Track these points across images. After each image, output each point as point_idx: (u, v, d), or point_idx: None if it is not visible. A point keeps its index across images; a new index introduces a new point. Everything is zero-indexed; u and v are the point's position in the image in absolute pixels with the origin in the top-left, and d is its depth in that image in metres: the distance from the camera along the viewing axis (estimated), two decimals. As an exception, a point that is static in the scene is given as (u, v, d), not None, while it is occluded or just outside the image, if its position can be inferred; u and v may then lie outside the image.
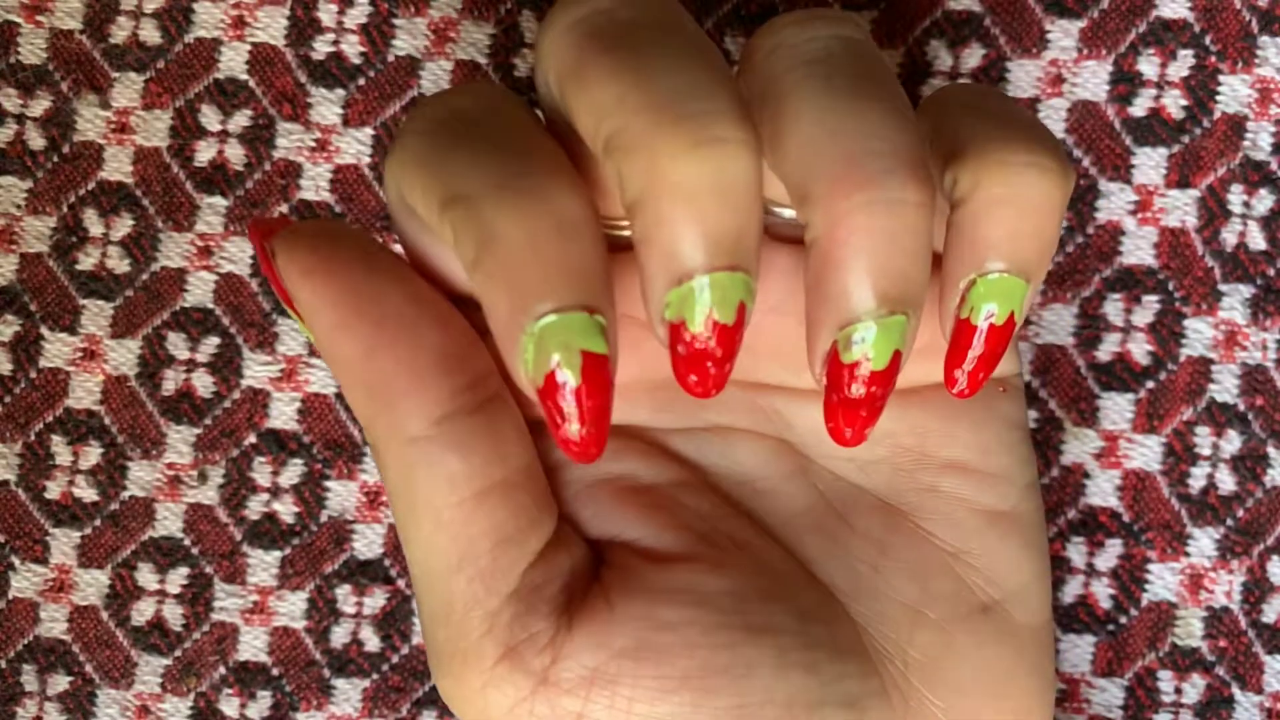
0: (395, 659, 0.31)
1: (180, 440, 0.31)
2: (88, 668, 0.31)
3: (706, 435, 0.26)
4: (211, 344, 0.31)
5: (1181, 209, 0.31)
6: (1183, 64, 0.31)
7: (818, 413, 0.26)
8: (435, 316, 0.23)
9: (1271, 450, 0.30)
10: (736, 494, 0.26)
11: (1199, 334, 0.30)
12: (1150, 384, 0.31)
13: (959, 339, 0.23)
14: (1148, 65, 0.31)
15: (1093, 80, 0.31)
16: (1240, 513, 0.30)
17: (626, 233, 0.25)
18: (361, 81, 0.31)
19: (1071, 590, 0.31)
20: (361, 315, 0.23)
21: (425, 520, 0.23)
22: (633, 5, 0.22)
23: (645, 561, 0.25)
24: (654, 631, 0.24)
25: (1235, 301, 0.30)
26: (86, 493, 0.31)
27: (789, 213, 0.24)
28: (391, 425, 0.23)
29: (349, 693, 0.31)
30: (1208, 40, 0.31)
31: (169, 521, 0.31)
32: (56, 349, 0.31)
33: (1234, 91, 0.31)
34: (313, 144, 0.31)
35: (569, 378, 0.21)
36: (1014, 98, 0.29)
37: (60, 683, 0.31)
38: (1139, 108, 0.31)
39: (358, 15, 0.31)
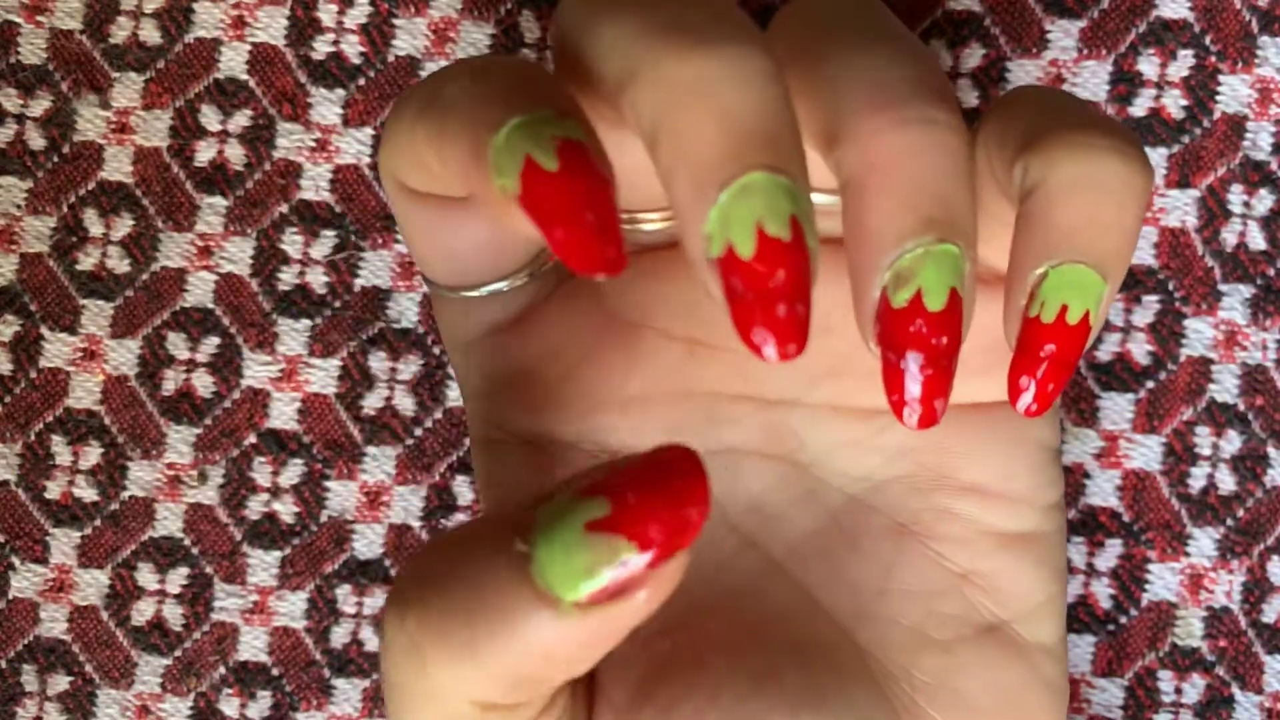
0: (395, 659, 0.31)
1: (180, 440, 0.31)
2: (88, 668, 0.31)
3: (715, 458, 0.25)
4: (211, 344, 0.31)
5: (1181, 209, 0.31)
6: (1183, 64, 0.31)
7: (832, 429, 0.25)
8: None
9: (1271, 450, 0.30)
10: (743, 522, 0.25)
11: (1199, 334, 0.30)
12: (1150, 384, 0.31)
13: (1028, 340, 0.20)
14: (1148, 65, 0.31)
15: (1093, 80, 0.31)
16: (1240, 513, 0.30)
17: (648, 226, 0.24)
18: (361, 81, 0.31)
19: (1071, 590, 0.31)
20: None
21: None
22: None
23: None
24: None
25: (1235, 301, 0.30)
26: (86, 493, 0.31)
27: (818, 198, 0.22)
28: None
29: (349, 693, 0.31)
30: (1208, 40, 0.31)
31: (169, 521, 0.31)
32: (56, 349, 0.31)
33: (1234, 91, 0.31)
34: (313, 144, 0.31)
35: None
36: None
37: (60, 683, 0.31)
38: (1139, 108, 0.31)
39: (358, 15, 0.31)
